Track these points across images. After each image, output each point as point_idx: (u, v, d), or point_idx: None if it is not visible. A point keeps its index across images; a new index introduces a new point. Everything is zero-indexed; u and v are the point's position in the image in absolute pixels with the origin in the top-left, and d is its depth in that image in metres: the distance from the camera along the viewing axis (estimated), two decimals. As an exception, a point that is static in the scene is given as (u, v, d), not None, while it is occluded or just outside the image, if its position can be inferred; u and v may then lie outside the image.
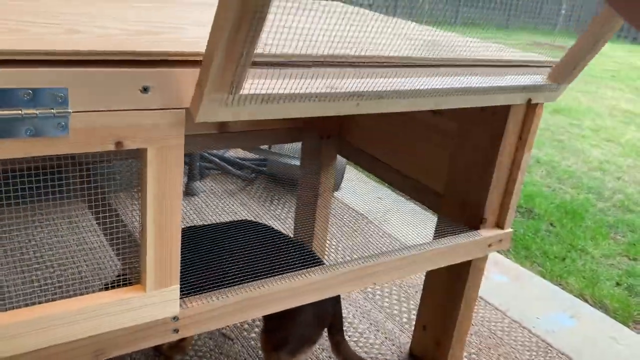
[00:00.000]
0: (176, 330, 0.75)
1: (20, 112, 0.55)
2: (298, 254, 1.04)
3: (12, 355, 0.64)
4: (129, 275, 0.74)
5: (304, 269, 0.88)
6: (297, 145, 2.06)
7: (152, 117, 0.62)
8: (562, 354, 1.38)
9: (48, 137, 0.57)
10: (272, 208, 2.01)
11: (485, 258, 1.16)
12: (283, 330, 1.04)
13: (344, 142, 1.46)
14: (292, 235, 1.62)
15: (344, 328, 1.36)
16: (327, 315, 1.08)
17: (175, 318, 0.74)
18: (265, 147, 2.14)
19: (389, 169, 1.33)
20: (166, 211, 0.67)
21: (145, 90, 0.61)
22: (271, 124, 1.42)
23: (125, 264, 0.77)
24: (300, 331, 1.05)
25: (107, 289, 0.88)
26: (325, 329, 1.12)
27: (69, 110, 0.57)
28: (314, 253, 1.12)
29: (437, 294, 1.23)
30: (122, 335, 0.71)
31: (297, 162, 2.04)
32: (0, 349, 0.62)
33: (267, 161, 2.18)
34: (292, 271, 0.86)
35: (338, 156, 1.50)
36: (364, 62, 0.75)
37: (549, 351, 1.39)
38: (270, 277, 0.84)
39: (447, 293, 1.20)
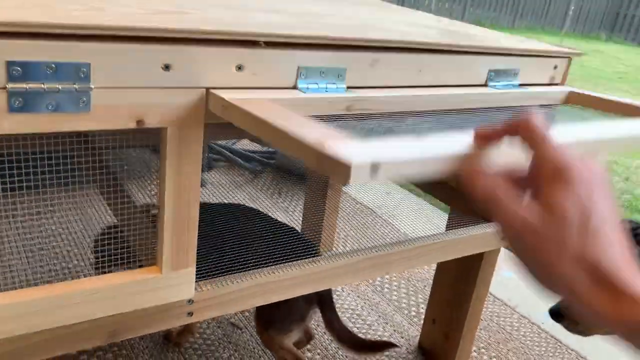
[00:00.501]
0: (190, 314, 0.75)
1: (42, 85, 0.54)
2: (290, 237, 1.03)
3: (23, 334, 0.63)
4: (139, 255, 0.73)
5: (301, 252, 0.87)
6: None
7: (173, 95, 0.61)
8: (572, 350, 1.38)
9: (69, 112, 0.57)
10: (279, 200, 2.00)
11: (497, 252, 1.15)
12: (270, 310, 1.04)
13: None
14: (291, 225, 1.61)
15: (353, 319, 1.35)
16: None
17: (190, 301, 0.74)
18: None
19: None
20: (184, 192, 0.66)
21: (166, 67, 0.60)
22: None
23: (139, 246, 0.77)
24: (286, 309, 1.05)
25: (96, 242, 0.88)
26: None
27: (91, 86, 0.57)
28: (305, 237, 1.10)
29: (448, 288, 1.23)
30: (137, 317, 0.71)
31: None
32: (11, 327, 0.62)
33: (276, 154, 2.17)
34: (303, 258, 0.85)
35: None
36: (384, 46, 0.74)
37: (559, 347, 1.38)
38: (279, 263, 0.83)
39: (458, 287, 1.20)
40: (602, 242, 0.35)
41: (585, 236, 0.35)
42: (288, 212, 1.93)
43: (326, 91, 0.71)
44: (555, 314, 0.99)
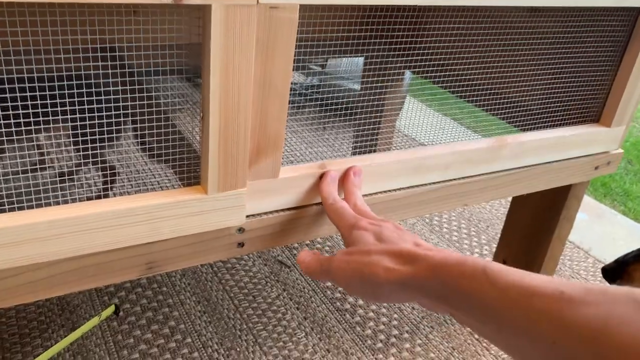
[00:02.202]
0: (241, 245, 0.63)
1: None
2: None
3: (43, 262, 0.53)
4: (180, 176, 0.61)
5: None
6: (355, 67, 1.89)
7: (219, -40, 0.47)
8: (657, 299, 1.23)
9: (86, -23, 0.43)
10: (325, 136, 1.86)
11: (586, 184, 0.99)
12: None
13: (416, 54, 1.28)
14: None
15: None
16: None
17: (240, 230, 0.62)
18: (317, 68, 1.98)
19: (473, 86, 1.16)
20: (234, 91, 0.53)
21: None
22: (327, 32, 1.26)
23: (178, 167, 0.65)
24: None
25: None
26: None
27: (113, -60, 0.43)
28: None
29: (524, 225, 1.08)
30: (178, 247, 0.59)
31: (356, 86, 1.88)
32: (26, 253, 0.51)
33: (320, 85, 2.02)
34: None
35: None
36: None
37: None
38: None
39: (537, 224, 1.05)
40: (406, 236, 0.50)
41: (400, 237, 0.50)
42: (334, 148, 1.80)
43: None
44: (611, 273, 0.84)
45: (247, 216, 0.62)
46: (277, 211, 0.64)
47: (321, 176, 0.65)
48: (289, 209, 0.65)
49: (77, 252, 0.53)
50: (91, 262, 0.55)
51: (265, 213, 0.64)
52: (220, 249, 0.62)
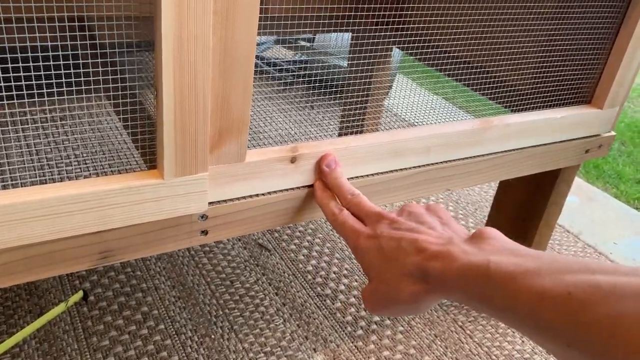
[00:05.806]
0: (205, 232, 0.59)
1: None
2: None
3: (-12, 252, 0.49)
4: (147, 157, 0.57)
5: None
6: (343, 43, 1.83)
7: None
8: (647, 285, 1.20)
9: None
10: (312, 114, 1.81)
11: (576, 168, 0.96)
12: None
13: (403, 30, 1.23)
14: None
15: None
16: None
17: (203, 217, 0.58)
18: (307, 44, 1.92)
19: (461, 64, 1.11)
20: (189, 68, 0.48)
21: None
22: (314, 9, 1.20)
23: (141, 149, 0.60)
24: None
25: None
26: None
27: None
28: None
29: (511, 210, 1.05)
30: (134, 235, 0.55)
31: (344, 63, 1.82)
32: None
33: (309, 62, 1.96)
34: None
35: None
36: None
37: (631, 281, 1.21)
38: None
39: (524, 209, 1.01)
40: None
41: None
42: (322, 127, 1.75)
43: None
44: None
45: (211, 203, 0.58)
46: (244, 197, 0.60)
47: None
48: (257, 195, 0.61)
49: (19, 241, 0.49)
50: (38, 252, 0.51)
51: (232, 200, 0.60)
52: (181, 237, 0.58)
